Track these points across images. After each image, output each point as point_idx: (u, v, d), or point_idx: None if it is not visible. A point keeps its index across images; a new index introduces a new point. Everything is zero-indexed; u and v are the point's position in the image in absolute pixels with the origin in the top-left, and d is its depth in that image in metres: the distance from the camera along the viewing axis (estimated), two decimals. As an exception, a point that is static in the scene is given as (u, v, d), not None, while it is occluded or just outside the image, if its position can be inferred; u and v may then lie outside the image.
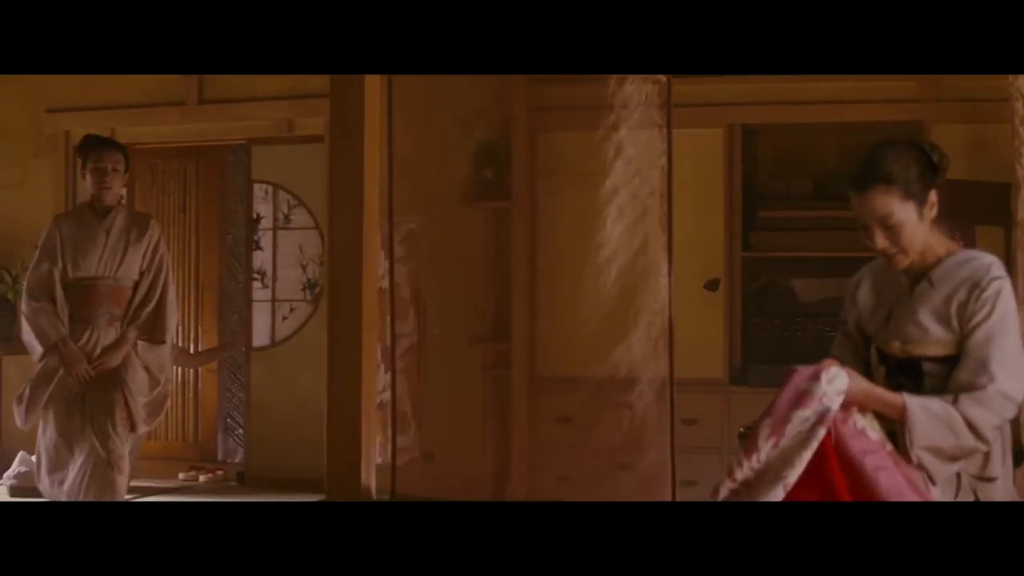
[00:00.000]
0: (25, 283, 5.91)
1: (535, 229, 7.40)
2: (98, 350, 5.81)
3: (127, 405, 5.82)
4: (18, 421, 5.89)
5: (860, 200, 3.44)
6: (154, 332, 5.93)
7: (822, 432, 3.23)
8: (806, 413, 3.25)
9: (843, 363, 3.48)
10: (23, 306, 5.88)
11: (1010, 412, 3.38)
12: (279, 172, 8.08)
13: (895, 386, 3.46)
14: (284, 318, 8.10)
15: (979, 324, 3.38)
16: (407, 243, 7.54)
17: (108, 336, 5.86)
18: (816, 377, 3.29)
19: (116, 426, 5.75)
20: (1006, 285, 3.43)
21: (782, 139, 7.38)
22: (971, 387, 3.34)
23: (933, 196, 3.45)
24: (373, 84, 4.80)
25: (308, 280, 8.05)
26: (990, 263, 3.45)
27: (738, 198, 7.20)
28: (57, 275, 5.81)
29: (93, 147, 5.92)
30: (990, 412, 3.33)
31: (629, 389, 6.68)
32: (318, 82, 6.48)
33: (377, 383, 7.48)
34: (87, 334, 5.82)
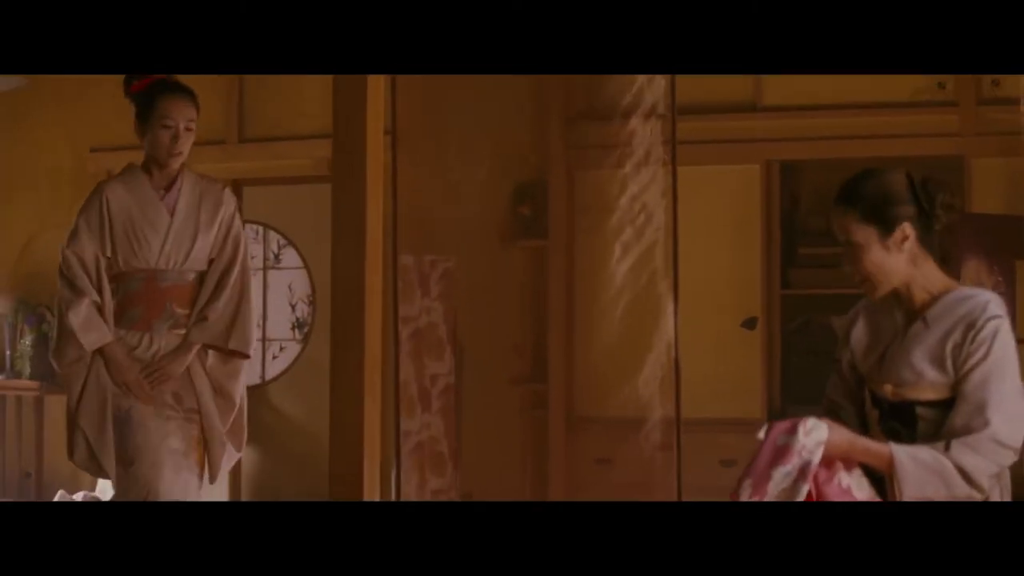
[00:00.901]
0: (63, 263, 4.58)
1: (572, 267, 7.33)
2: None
3: (202, 443, 4.59)
4: (107, 476, 4.60)
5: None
6: (228, 338, 4.64)
7: (805, 488, 3.12)
8: (786, 468, 3.15)
9: (837, 405, 3.42)
10: (56, 304, 4.63)
11: (1007, 459, 3.25)
12: (270, 213, 8.11)
13: (888, 430, 3.34)
14: (274, 357, 8.12)
15: (975, 366, 3.24)
16: (443, 282, 7.46)
17: (171, 346, 4.62)
18: (793, 430, 3.18)
19: (189, 474, 4.46)
20: (1004, 324, 3.28)
21: (822, 175, 7.23)
22: (965, 432, 3.20)
23: (907, 229, 3.31)
24: (376, 120, 4.70)
25: (297, 319, 8.07)
26: (987, 301, 3.30)
27: (776, 235, 7.11)
28: (104, 263, 4.56)
29: (161, 96, 4.59)
30: (985, 459, 3.19)
31: (669, 430, 6.58)
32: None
33: (412, 424, 7.52)
34: (142, 344, 4.61)
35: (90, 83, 8.18)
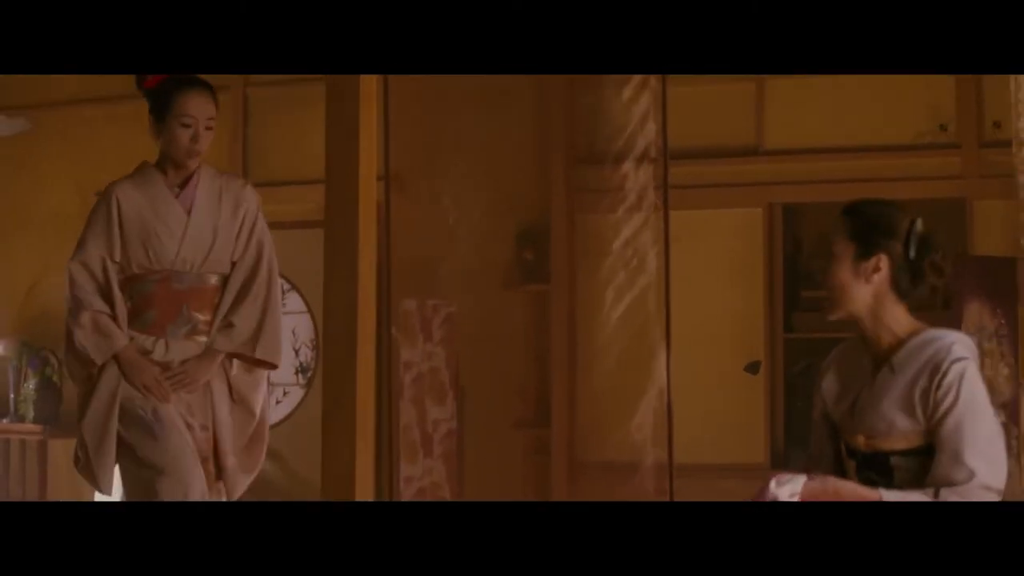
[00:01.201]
0: (68, 279, 4.34)
1: (573, 312, 7.28)
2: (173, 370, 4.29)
3: (216, 456, 4.32)
4: (101, 490, 4.42)
5: None
6: (255, 346, 4.38)
7: None
8: None
9: (821, 456, 3.36)
10: (68, 319, 4.33)
11: (994, 499, 3.19)
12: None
13: (866, 481, 3.27)
14: (278, 401, 8.03)
15: (947, 413, 3.19)
16: (446, 326, 7.44)
17: (187, 352, 4.34)
18: (766, 488, 3.16)
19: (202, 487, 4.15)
20: (970, 366, 3.23)
21: (824, 218, 7.15)
22: (949, 483, 3.15)
23: (883, 263, 3.27)
24: (369, 165, 4.66)
25: (301, 364, 8.00)
26: (952, 343, 3.25)
27: (779, 278, 7.06)
28: (114, 269, 4.30)
29: (179, 92, 4.30)
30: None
31: (663, 475, 6.52)
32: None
33: (414, 469, 7.46)
34: (156, 348, 4.31)
35: (95, 125, 8.24)
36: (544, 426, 7.32)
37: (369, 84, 4.62)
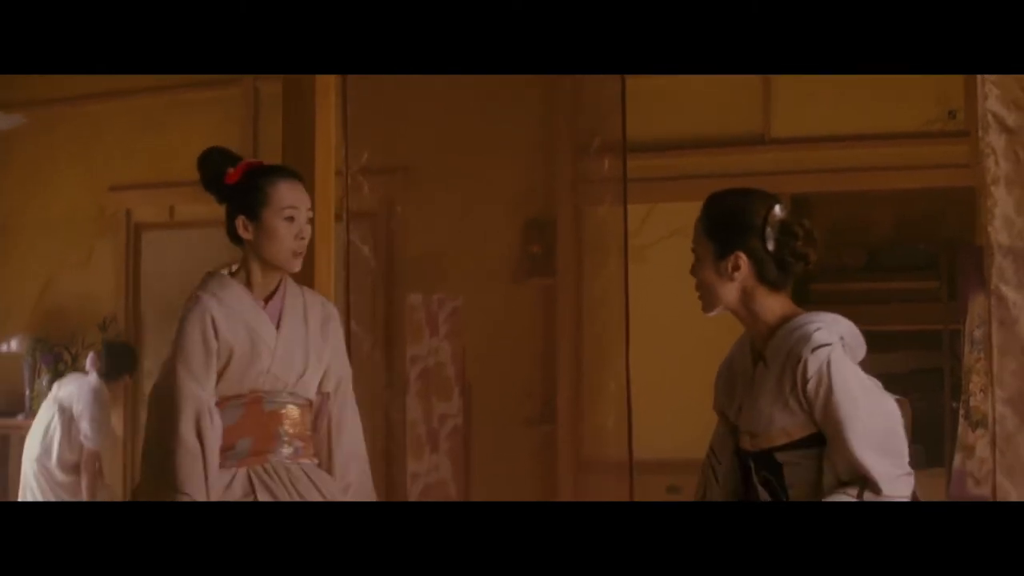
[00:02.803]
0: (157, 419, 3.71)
1: (580, 305, 7.16)
2: None
3: None
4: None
5: None
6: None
7: None
8: None
9: (715, 458, 3.23)
10: (144, 462, 3.74)
11: (909, 484, 3.02)
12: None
13: (763, 482, 3.11)
14: None
15: (824, 405, 2.99)
16: (452, 320, 7.35)
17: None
18: None
19: None
20: (834, 352, 3.01)
21: (834, 209, 7.12)
22: (856, 484, 2.97)
23: (742, 260, 3.12)
24: (327, 159, 4.55)
25: None
26: (813, 330, 3.05)
27: None
28: (210, 404, 3.69)
29: (274, 181, 3.77)
30: (895, 493, 2.98)
31: (676, 473, 6.39)
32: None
33: (420, 465, 7.37)
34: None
35: (106, 121, 8.21)
36: (552, 423, 7.22)
37: (325, 82, 4.51)
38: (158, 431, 3.70)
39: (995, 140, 4.20)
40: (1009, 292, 4.26)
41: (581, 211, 7.20)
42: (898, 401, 3.12)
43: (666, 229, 6.75)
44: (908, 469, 3.01)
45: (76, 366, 7.95)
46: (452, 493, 7.30)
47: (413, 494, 7.26)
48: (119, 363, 7.53)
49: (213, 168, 3.80)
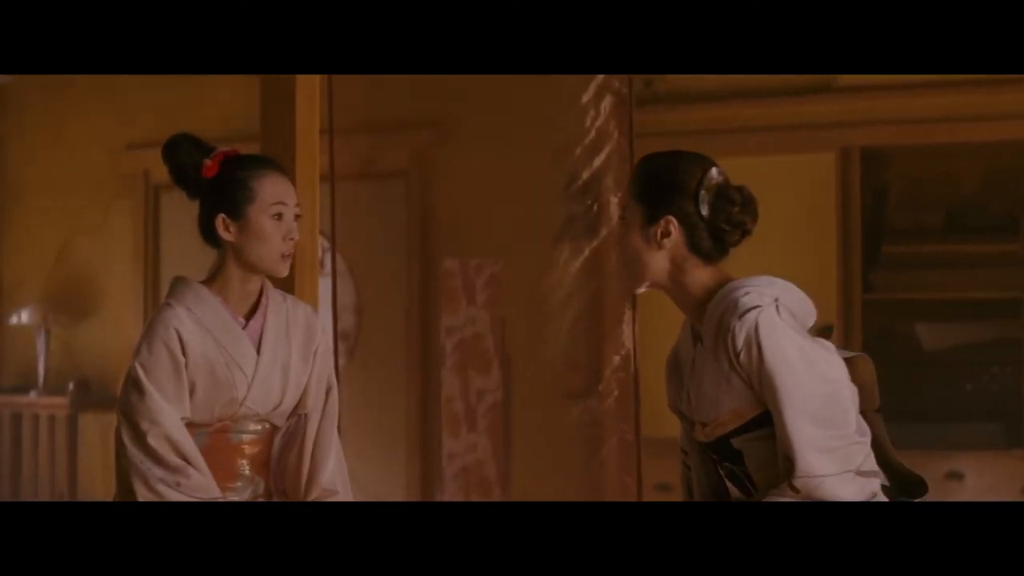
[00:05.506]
0: (130, 438, 3.28)
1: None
2: None
3: None
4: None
5: None
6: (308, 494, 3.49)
7: None
8: None
9: (691, 459, 3.03)
10: (139, 485, 3.29)
11: (864, 448, 2.76)
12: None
13: (728, 474, 2.95)
14: None
15: (759, 377, 2.77)
16: (490, 288, 7.12)
17: None
18: None
19: None
20: (762, 314, 2.78)
21: (910, 163, 6.84)
22: (787, 459, 2.73)
23: (672, 226, 2.88)
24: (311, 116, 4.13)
25: (341, 330, 7.59)
26: (741, 295, 2.81)
27: (856, 232, 6.66)
28: (180, 424, 3.30)
29: (258, 175, 3.33)
30: (853, 485, 2.75)
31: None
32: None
33: (457, 445, 7.05)
34: None
35: (120, 84, 7.95)
36: (599, 397, 6.91)
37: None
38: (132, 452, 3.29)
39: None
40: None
41: (627, 169, 6.84)
42: (856, 359, 2.93)
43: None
44: (852, 440, 2.77)
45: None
46: (491, 474, 7.12)
47: (448, 475, 7.02)
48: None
49: (185, 159, 3.32)
